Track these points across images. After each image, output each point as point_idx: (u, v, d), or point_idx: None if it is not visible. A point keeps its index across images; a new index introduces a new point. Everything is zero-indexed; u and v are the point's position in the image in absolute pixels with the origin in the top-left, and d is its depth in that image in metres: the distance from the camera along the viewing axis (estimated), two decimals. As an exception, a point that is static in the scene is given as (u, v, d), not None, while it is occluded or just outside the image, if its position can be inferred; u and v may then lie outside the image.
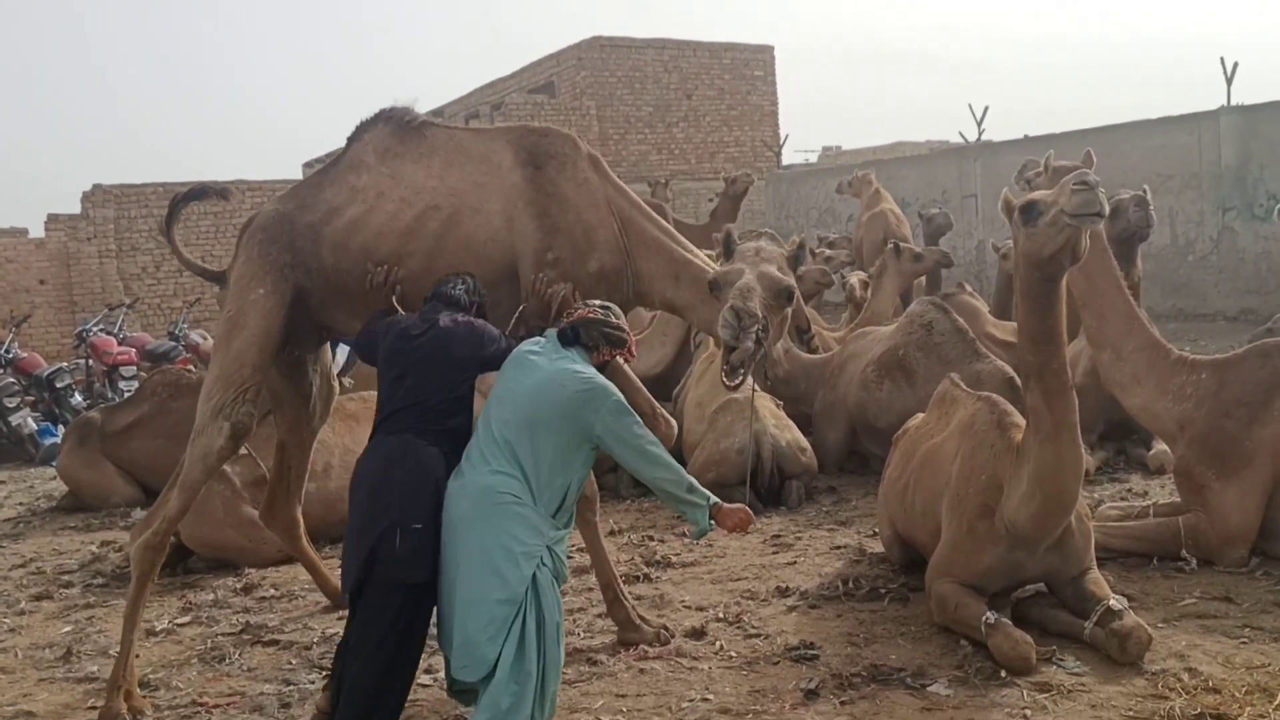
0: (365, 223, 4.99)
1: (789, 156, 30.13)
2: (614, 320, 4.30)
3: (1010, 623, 4.76)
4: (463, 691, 4.07)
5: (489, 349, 4.34)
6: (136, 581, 4.98)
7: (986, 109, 21.45)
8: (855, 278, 12.29)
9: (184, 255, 6.12)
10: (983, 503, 4.89)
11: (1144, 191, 7.62)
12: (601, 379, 4.11)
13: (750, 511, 4.13)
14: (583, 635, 5.37)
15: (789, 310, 4.51)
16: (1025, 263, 4.44)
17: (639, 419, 4.08)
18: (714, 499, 4.06)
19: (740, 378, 4.46)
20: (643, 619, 5.34)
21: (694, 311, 5.12)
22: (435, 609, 4.04)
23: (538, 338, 4.35)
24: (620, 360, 4.44)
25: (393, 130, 5.21)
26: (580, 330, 4.24)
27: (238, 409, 4.94)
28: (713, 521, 4.04)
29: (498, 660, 3.78)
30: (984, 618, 4.72)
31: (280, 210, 5.19)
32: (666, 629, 5.27)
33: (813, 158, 35.14)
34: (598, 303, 4.42)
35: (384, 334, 4.50)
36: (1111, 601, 4.70)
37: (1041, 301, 4.45)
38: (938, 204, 16.63)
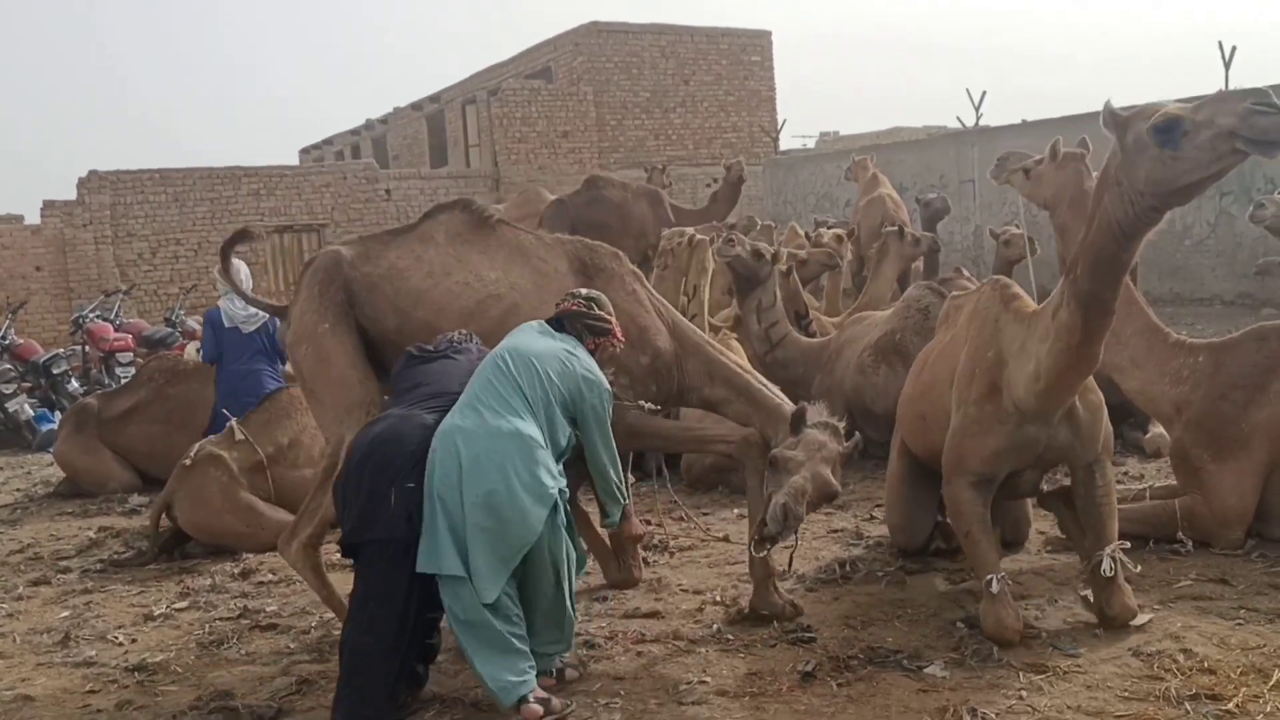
0: (429, 296, 5.39)
1: (786, 142, 30.13)
2: (597, 311, 4.75)
3: (1009, 596, 4.74)
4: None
5: None
6: (314, 576, 5.33)
7: (984, 94, 21.41)
8: (830, 233, 12.31)
9: (247, 293, 6.76)
10: (990, 381, 4.78)
11: None
12: (600, 375, 4.60)
13: (641, 533, 5.20)
14: (580, 619, 5.36)
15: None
16: (1147, 189, 3.90)
17: (608, 421, 4.60)
18: (628, 505, 4.90)
19: (766, 550, 4.83)
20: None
21: (729, 407, 5.47)
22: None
23: (532, 323, 4.77)
24: (612, 348, 4.84)
25: (466, 219, 5.66)
26: (565, 322, 4.70)
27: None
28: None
29: (509, 583, 4.22)
30: (989, 579, 4.69)
31: (340, 254, 5.60)
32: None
33: (810, 143, 35.11)
34: (583, 293, 4.85)
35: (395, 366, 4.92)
36: (1105, 563, 4.71)
37: (1131, 233, 4.04)
38: (935, 189, 16.63)
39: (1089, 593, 4.93)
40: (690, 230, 10.20)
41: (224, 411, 7.78)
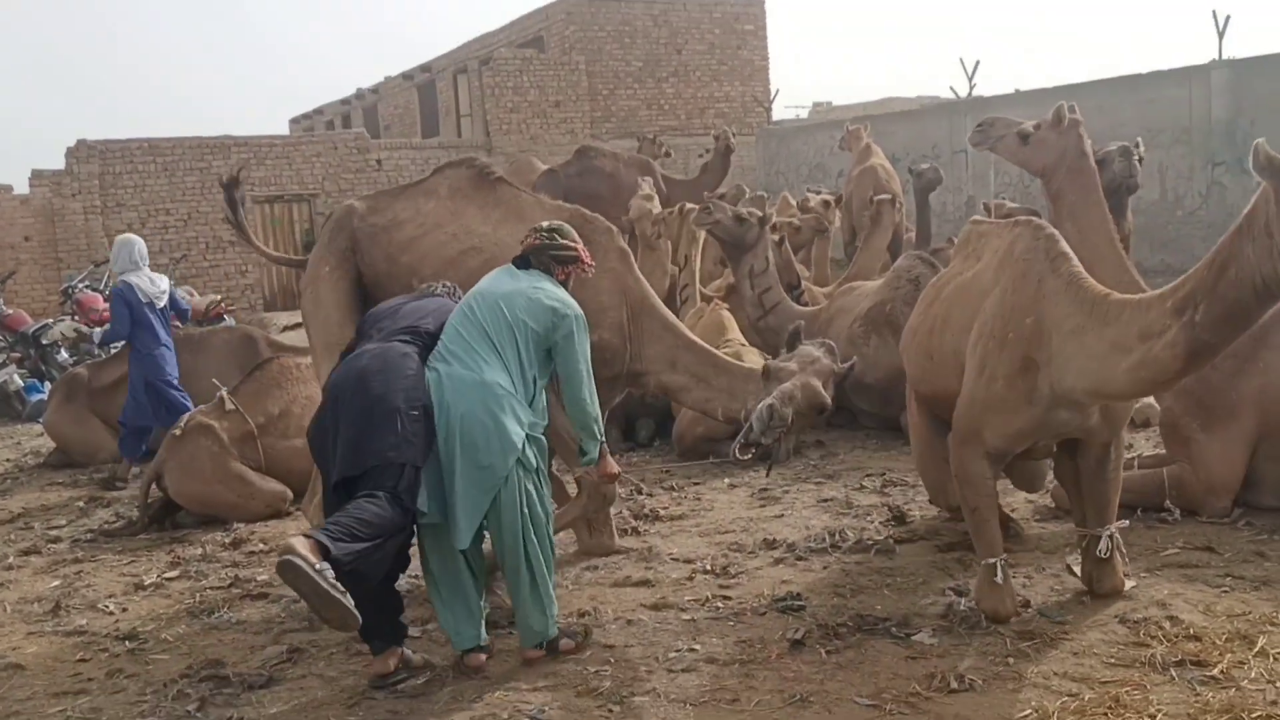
0: (417, 244, 5.76)
1: (779, 112, 30.00)
2: (560, 241, 4.74)
3: (1011, 581, 4.66)
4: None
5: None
6: None
7: (978, 63, 21.34)
8: (817, 198, 12.30)
9: (261, 247, 7.52)
10: (1024, 354, 4.35)
11: (1134, 144, 7.60)
12: (571, 301, 4.61)
13: (616, 471, 4.96)
14: (570, 587, 5.39)
15: (819, 419, 4.99)
16: None
17: (583, 351, 4.57)
18: (604, 442, 4.80)
19: (749, 455, 4.88)
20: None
21: (687, 395, 5.68)
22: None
23: (501, 267, 4.82)
24: (583, 273, 4.83)
25: (471, 176, 6.01)
26: (531, 258, 4.71)
27: None
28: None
29: (482, 528, 4.41)
30: (993, 564, 4.56)
31: (354, 208, 6.07)
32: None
33: (803, 113, 34.93)
34: (544, 225, 4.85)
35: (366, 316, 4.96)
36: (1102, 542, 4.68)
37: (1275, 289, 3.53)
38: (928, 159, 16.56)
39: (1076, 560, 4.95)
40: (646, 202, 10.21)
41: (214, 381, 7.76)
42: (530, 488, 4.46)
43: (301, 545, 3.84)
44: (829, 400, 4.88)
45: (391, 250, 5.78)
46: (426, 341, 4.56)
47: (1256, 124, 16.36)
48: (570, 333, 4.54)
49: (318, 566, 3.80)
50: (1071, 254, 4.46)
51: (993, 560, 4.59)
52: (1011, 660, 4.23)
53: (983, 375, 4.54)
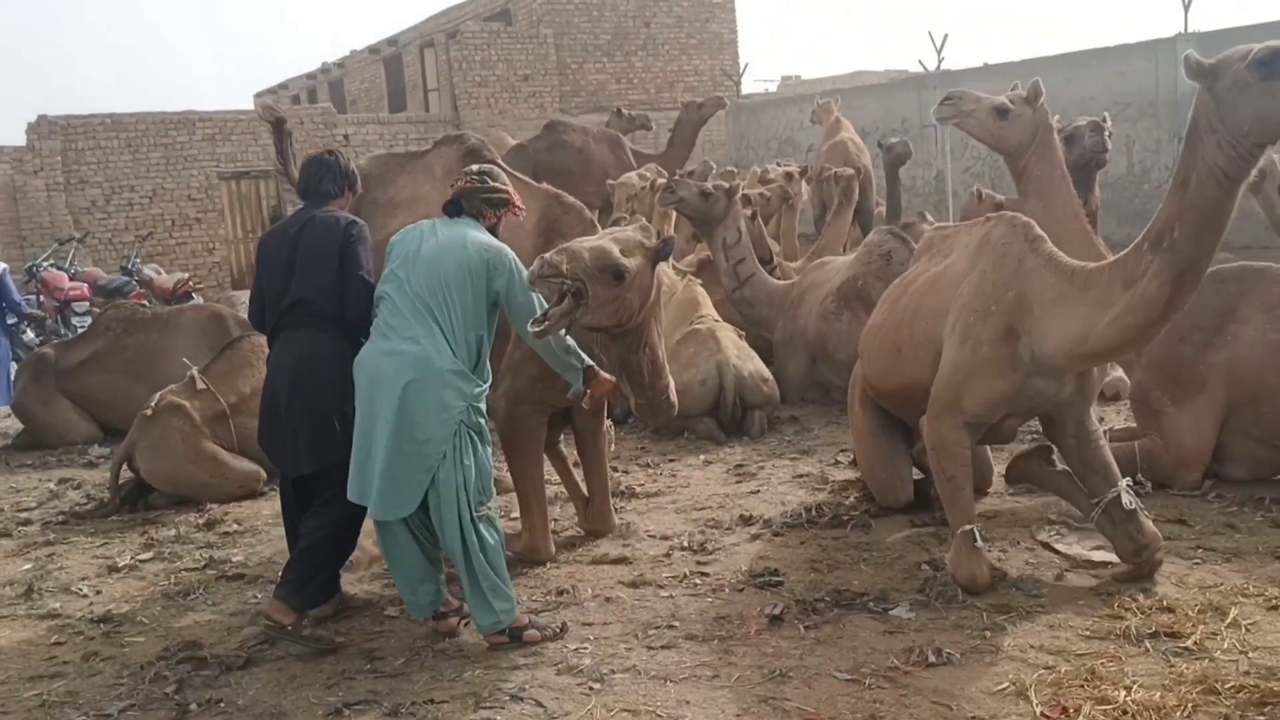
0: (389, 227, 5.46)
1: (748, 87, 29.86)
2: (491, 184, 4.66)
3: (984, 549, 4.68)
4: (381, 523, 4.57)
5: (341, 237, 4.74)
6: None
7: (945, 37, 21.24)
8: (779, 170, 12.31)
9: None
10: (1007, 324, 4.54)
11: (1103, 118, 7.63)
12: (499, 244, 4.56)
13: (613, 384, 4.83)
14: (549, 566, 5.40)
15: (617, 292, 4.45)
16: (1254, 127, 3.78)
17: (525, 291, 4.44)
18: (589, 362, 4.77)
19: (543, 326, 4.35)
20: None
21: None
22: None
23: (422, 223, 4.71)
24: (515, 216, 4.78)
25: (461, 155, 5.91)
26: (462, 202, 4.63)
27: None
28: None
29: (423, 502, 4.40)
30: (969, 530, 4.61)
31: (366, 170, 5.79)
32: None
33: (772, 88, 34.87)
34: (475, 169, 4.77)
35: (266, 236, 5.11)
36: (1124, 496, 4.63)
37: (1236, 178, 3.85)
38: (897, 133, 16.57)
39: (1058, 537, 4.97)
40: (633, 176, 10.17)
41: (184, 360, 7.68)
42: (471, 465, 4.39)
43: (275, 610, 4.57)
44: (625, 264, 4.42)
45: (375, 234, 5.39)
46: (337, 321, 4.69)
47: (1222, 97, 16.47)
48: (510, 273, 4.47)
49: (291, 626, 4.55)
50: (1047, 238, 4.65)
51: (969, 527, 4.64)
52: (988, 634, 4.27)
53: (965, 345, 4.68)
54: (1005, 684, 3.84)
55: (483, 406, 4.54)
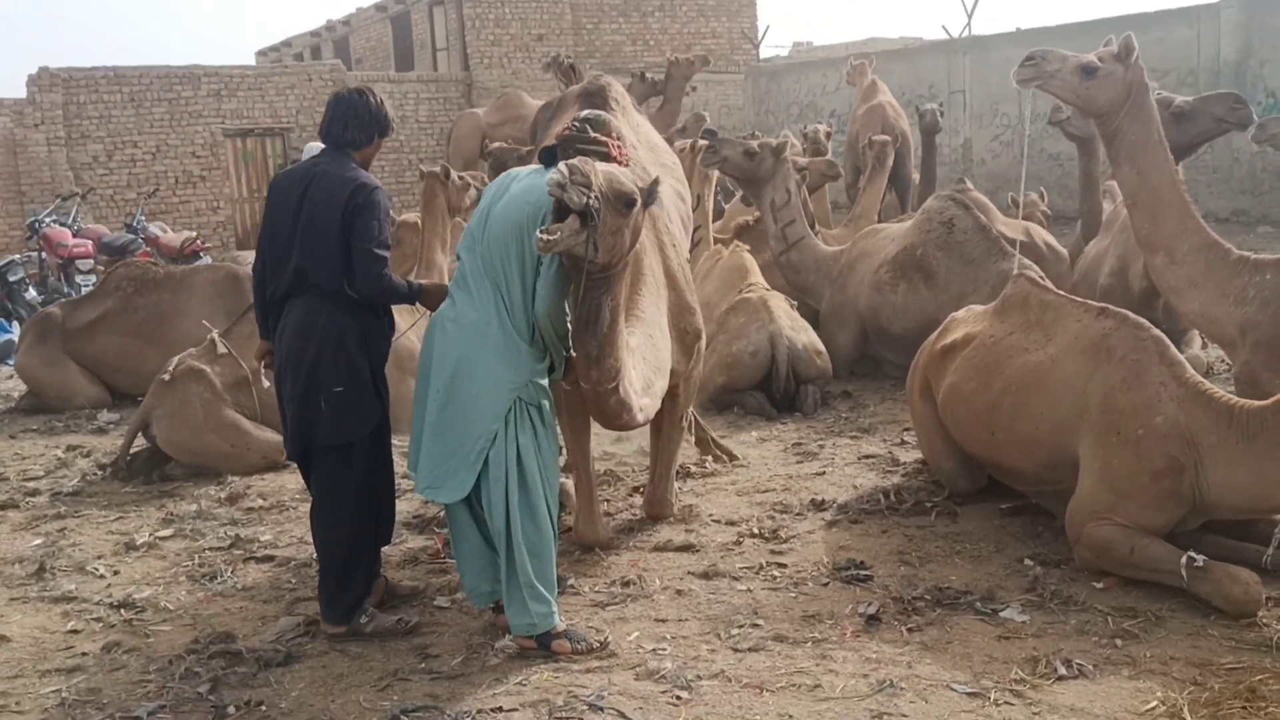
0: None
1: (763, 51, 29.23)
2: (590, 134, 4.21)
3: (1217, 565, 4.10)
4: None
5: (345, 205, 4.14)
6: None
7: (977, 1, 20.75)
8: (821, 128, 11.84)
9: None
10: (1169, 454, 4.15)
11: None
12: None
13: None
14: (612, 553, 4.94)
15: (622, 224, 3.88)
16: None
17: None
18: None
19: (554, 238, 3.68)
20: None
21: None
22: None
23: (512, 170, 4.34)
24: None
25: (577, 96, 5.43)
26: (558, 150, 4.15)
27: None
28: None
29: (477, 483, 3.98)
30: (1185, 558, 4.06)
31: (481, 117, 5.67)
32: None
33: (784, 52, 34.21)
34: (581, 114, 4.38)
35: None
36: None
37: None
38: (925, 100, 16.00)
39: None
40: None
41: (204, 323, 7.21)
42: (527, 447, 3.98)
43: (329, 629, 4.26)
44: (633, 189, 3.90)
45: None
46: (340, 295, 4.18)
47: (1266, 65, 15.94)
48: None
49: (349, 630, 4.23)
50: (1180, 358, 4.37)
51: (1183, 558, 4.06)
52: (1119, 642, 3.83)
53: (1114, 467, 4.32)
54: (1154, 702, 3.42)
55: (545, 383, 4.08)
